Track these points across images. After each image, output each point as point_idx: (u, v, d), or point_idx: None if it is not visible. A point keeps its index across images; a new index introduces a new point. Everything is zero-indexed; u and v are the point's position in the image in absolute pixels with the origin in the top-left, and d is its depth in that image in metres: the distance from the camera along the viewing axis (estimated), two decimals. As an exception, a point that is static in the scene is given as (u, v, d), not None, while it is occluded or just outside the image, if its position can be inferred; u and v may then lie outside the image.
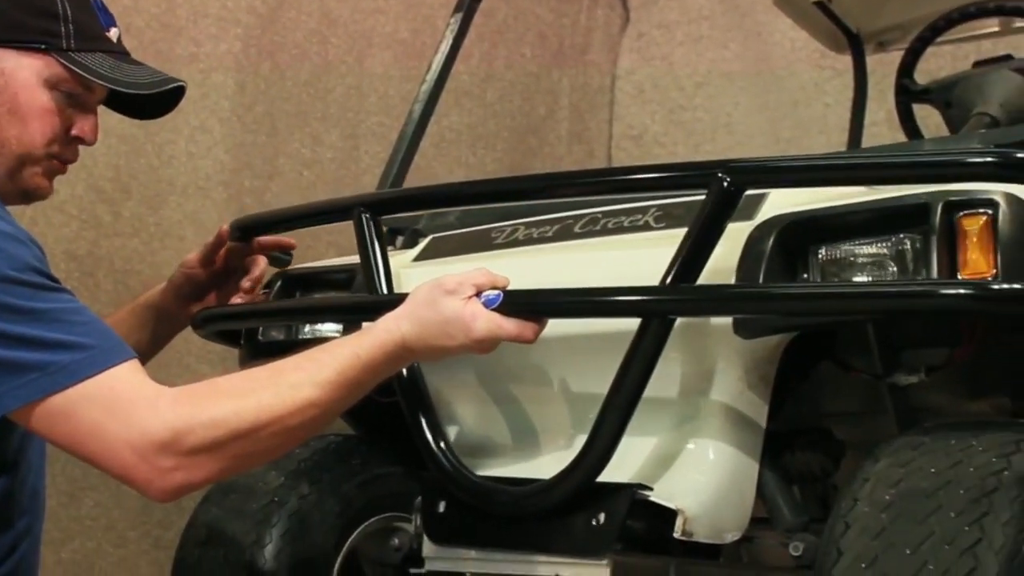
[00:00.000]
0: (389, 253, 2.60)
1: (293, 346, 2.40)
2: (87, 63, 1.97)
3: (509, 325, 1.91)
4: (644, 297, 1.95)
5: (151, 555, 3.42)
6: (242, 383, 1.84)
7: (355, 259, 2.37)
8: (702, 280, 1.98)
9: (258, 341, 2.53)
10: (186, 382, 1.83)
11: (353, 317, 2.31)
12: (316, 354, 1.87)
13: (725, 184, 1.90)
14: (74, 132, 2.01)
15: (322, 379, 1.83)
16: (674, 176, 2.07)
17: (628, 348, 1.94)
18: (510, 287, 1.95)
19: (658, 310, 1.94)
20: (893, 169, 1.93)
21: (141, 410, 1.76)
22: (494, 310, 1.91)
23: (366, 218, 2.27)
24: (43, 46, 1.95)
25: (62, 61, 1.95)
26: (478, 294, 1.92)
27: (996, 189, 1.85)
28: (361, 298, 2.35)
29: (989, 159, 1.84)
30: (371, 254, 2.26)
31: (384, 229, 2.71)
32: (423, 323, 1.90)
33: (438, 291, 1.91)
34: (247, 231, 2.51)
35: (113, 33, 2.04)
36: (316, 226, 2.64)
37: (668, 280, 1.92)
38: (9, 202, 1.97)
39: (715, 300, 1.95)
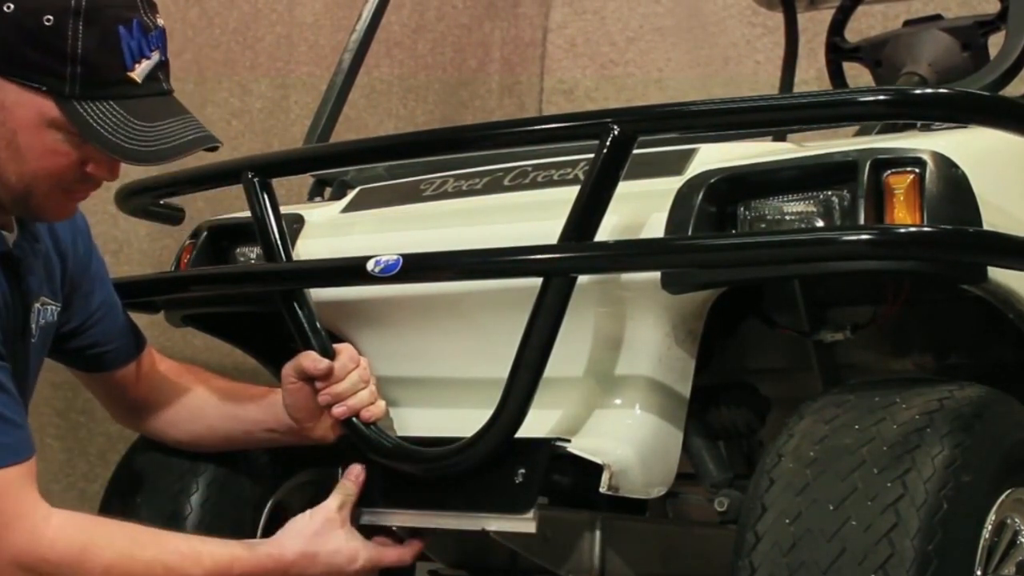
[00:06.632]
0: (317, 204, 2.59)
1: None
2: (88, 117, 1.77)
3: (390, 553, 2.15)
4: (538, 256, 1.95)
5: (75, 508, 3.38)
6: (125, 541, 1.91)
7: (288, 209, 2.35)
8: (627, 235, 1.98)
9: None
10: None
11: (252, 286, 2.29)
12: (199, 546, 1.96)
13: (615, 133, 1.89)
14: (88, 170, 1.85)
15: (193, 573, 1.92)
16: (565, 127, 2.06)
17: (532, 306, 1.93)
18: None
19: (553, 269, 1.93)
20: (785, 111, 1.93)
21: (19, 526, 1.80)
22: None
23: (256, 181, 2.20)
24: (44, 87, 1.77)
25: (63, 107, 1.77)
26: None
27: (924, 148, 1.85)
28: (258, 267, 2.33)
29: (881, 97, 1.84)
30: (264, 219, 2.20)
31: (316, 185, 2.69)
32: (310, 555, 2.05)
33: (328, 524, 2.08)
34: (131, 195, 2.49)
35: (141, 68, 1.80)
36: (206, 190, 2.52)
37: (564, 238, 1.91)
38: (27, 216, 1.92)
39: (605, 257, 1.94)
